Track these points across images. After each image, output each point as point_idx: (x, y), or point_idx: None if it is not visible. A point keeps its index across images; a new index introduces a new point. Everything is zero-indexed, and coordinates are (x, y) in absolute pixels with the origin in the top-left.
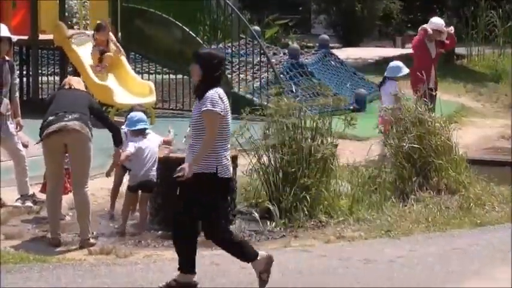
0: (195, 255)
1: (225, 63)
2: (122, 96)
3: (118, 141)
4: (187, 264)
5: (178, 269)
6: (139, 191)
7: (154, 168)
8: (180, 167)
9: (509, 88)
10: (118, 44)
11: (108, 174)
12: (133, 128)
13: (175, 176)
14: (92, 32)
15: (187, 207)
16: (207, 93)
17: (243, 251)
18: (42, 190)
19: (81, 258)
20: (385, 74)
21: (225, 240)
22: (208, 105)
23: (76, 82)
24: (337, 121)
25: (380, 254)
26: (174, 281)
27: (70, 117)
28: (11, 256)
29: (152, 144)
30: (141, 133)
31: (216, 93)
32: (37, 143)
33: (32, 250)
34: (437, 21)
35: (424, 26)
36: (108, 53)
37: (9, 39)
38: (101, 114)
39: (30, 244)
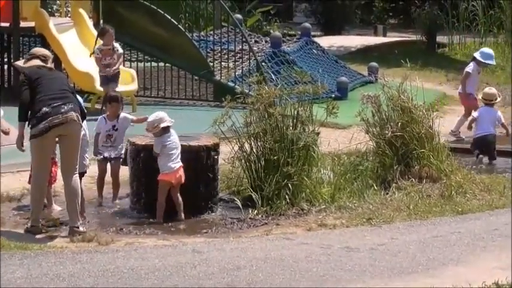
0: None
1: None
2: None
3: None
4: None
5: None
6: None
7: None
8: None
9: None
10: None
11: None
12: None
13: None
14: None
15: None
16: None
17: None
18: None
19: (62, 245)
20: (474, 54)
21: None
22: None
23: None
24: (317, 109)
25: (361, 241)
26: None
27: (66, 108)
28: None
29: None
30: None
31: None
32: (33, 138)
33: (13, 238)
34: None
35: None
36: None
37: None
38: (75, 95)
39: (11, 232)
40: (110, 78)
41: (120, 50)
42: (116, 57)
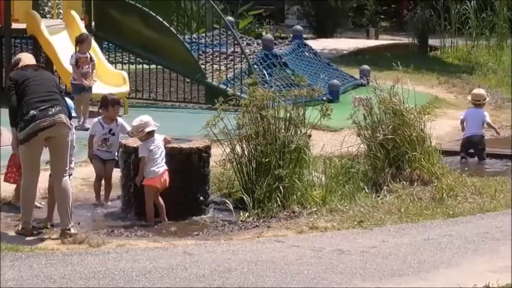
0: None
1: None
2: (95, 86)
3: None
4: None
5: None
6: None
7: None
8: None
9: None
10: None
11: None
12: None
13: None
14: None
15: None
16: None
17: None
18: (6, 179)
19: (53, 247)
20: None
21: None
22: None
23: (30, 59)
24: (311, 112)
25: (353, 244)
26: None
27: (54, 110)
28: None
29: None
30: None
31: None
32: (22, 142)
33: (4, 239)
34: None
35: None
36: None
37: None
38: (62, 97)
39: (2, 233)
40: (85, 88)
41: (94, 60)
42: (91, 67)
